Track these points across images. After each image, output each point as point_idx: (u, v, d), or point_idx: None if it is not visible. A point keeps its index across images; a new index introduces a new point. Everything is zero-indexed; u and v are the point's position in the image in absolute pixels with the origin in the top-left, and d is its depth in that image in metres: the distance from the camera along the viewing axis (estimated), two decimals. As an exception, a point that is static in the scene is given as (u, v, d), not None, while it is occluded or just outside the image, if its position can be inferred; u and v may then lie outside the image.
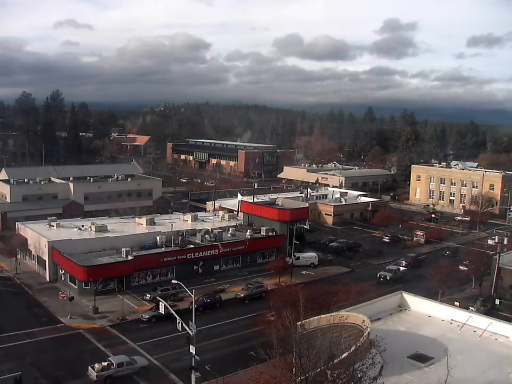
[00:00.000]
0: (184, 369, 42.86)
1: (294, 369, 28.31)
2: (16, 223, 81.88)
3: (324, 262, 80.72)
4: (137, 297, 63.38)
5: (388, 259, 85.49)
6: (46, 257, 69.10)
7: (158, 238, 73.60)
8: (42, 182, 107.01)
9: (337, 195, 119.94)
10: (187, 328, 40.99)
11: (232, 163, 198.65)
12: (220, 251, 73.90)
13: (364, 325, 35.05)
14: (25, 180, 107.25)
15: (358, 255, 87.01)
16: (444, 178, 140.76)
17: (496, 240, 76.76)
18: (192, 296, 44.24)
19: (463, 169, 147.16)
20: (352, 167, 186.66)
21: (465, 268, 73.41)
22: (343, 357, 29.00)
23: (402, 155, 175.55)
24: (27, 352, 48.49)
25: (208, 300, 61.04)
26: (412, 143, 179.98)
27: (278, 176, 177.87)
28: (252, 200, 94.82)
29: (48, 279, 69.11)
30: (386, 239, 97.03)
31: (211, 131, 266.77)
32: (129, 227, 79.56)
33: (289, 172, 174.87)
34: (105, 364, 43.75)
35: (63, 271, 67.33)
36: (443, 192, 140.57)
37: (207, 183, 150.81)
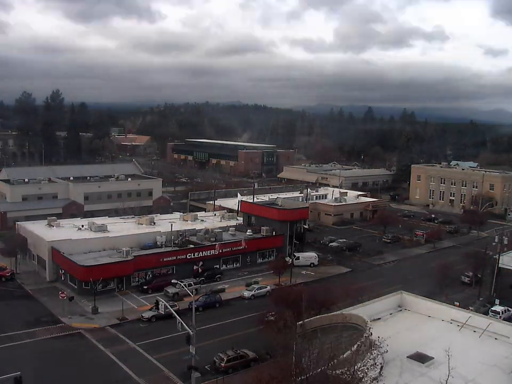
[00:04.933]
0: (184, 369, 42.84)
1: (294, 369, 28.32)
2: (16, 223, 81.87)
3: (323, 262, 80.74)
4: (137, 296, 63.49)
5: (388, 259, 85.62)
6: (46, 257, 69.11)
7: (158, 238, 73.62)
8: (42, 182, 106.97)
9: (337, 195, 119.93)
10: (187, 328, 40.95)
11: (232, 163, 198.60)
12: (218, 251, 73.82)
13: (364, 325, 35.08)
14: (25, 180, 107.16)
15: (358, 255, 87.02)
16: (444, 178, 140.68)
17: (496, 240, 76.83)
18: (192, 296, 44.28)
19: (463, 169, 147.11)
20: (352, 167, 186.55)
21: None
22: (344, 357, 29.02)
23: (402, 155, 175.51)
24: (27, 352, 48.46)
25: (208, 300, 61.11)
26: (412, 143, 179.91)
27: (278, 176, 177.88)
28: (252, 200, 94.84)
29: (48, 279, 69.08)
30: (386, 239, 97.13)
31: (211, 131, 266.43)
32: (129, 227, 79.55)
33: (289, 172, 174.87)
34: None
35: (63, 271, 67.31)
36: (443, 192, 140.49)
37: (208, 183, 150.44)
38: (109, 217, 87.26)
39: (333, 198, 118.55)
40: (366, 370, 27.60)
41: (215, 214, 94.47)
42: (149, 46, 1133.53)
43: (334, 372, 27.43)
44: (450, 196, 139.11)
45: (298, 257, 78.11)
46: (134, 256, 66.83)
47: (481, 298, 65.13)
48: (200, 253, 72.22)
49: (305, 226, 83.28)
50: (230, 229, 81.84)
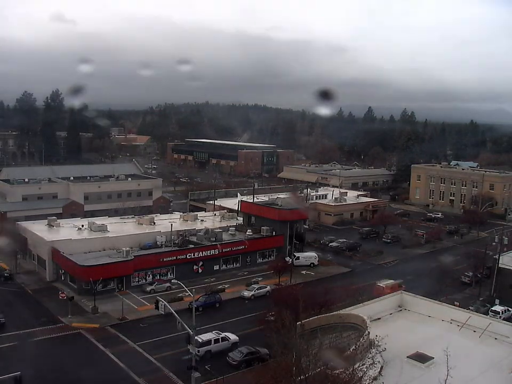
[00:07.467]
0: (184, 369, 42.86)
1: (293, 369, 28.34)
2: (16, 223, 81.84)
3: (323, 262, 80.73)
4: (137, 296, 63.51)
5: (388, 259, 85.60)
6: (46, 257, 69.12)
7: (158, 238, 73.62)
8: (42, 182, 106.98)
9: (337, 195, 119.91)
10: (187, 328, 40.95)
11: (232, 163, 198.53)
12: (220, 251, 73.87)
13: (364, 325, 35.07)
14: (25, 180, 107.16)
15: (358, 255, 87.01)
16: (444, 178, 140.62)
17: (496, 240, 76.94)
18: (192, 296, 44.28)
19: (463, 169, 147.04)
20: (352, 167, 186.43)
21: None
22: (343, 357, 29.02)
23: (402, 155, 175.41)
24: (27, 352, 48.43)
25: (208, 300, 61.10)
26: (412, 143, 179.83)
27: (278, 176, 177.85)
28: (252, 200, 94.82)
29: (48, 279, 69.10)
30: (386, 239, 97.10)
31: (211, 131, 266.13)
32: (129, 227, 79.54)
33: (289, 172, 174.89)
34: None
35: (63, 271, 67.34)
36: (443, 192, 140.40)
37: (208, 183, 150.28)
38: (108, 217, 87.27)
39: (333, 198, 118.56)
40: (365, 369, 27.62)
41: (215, 214, 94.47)
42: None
43: (333, 371, 27.45)
44: (450, 196, 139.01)
45: (298, 257, 78.10)
46: (133, 256, 66.85)
47: (481, 298, 65.15)
48: (200, 253, 72.27)
49: (305, 226, 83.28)
50: (230, 229, 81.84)
